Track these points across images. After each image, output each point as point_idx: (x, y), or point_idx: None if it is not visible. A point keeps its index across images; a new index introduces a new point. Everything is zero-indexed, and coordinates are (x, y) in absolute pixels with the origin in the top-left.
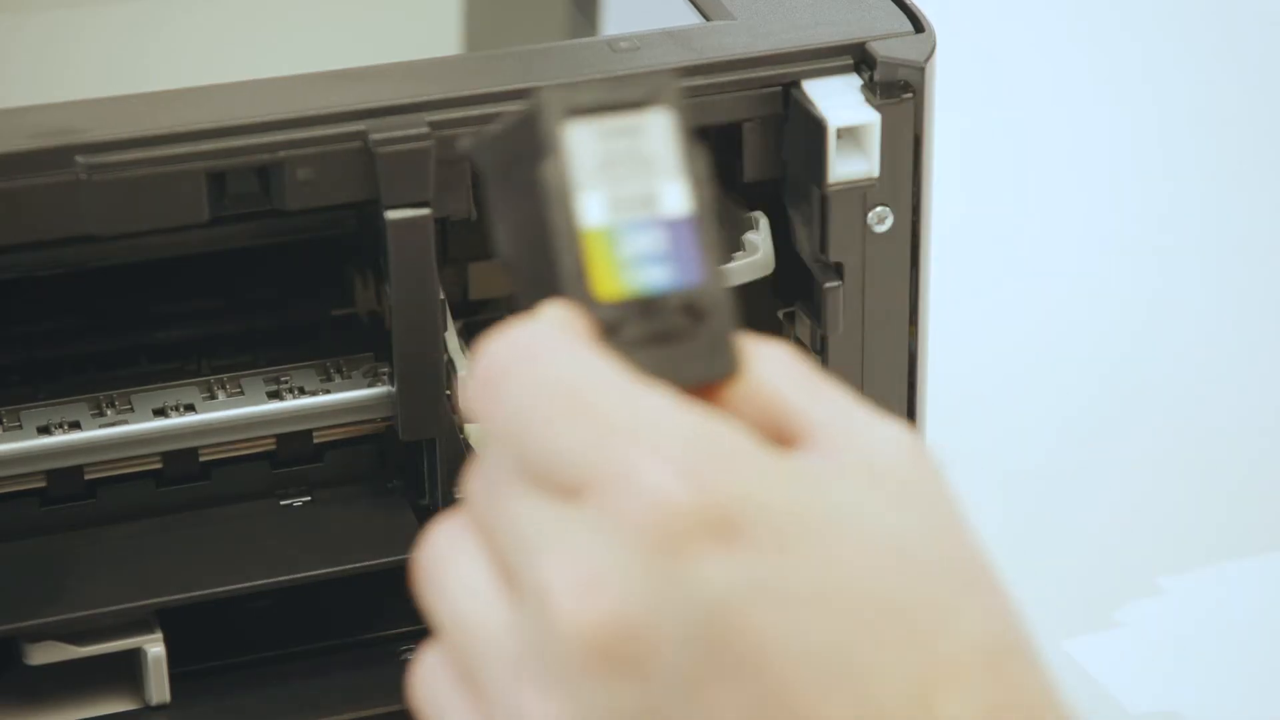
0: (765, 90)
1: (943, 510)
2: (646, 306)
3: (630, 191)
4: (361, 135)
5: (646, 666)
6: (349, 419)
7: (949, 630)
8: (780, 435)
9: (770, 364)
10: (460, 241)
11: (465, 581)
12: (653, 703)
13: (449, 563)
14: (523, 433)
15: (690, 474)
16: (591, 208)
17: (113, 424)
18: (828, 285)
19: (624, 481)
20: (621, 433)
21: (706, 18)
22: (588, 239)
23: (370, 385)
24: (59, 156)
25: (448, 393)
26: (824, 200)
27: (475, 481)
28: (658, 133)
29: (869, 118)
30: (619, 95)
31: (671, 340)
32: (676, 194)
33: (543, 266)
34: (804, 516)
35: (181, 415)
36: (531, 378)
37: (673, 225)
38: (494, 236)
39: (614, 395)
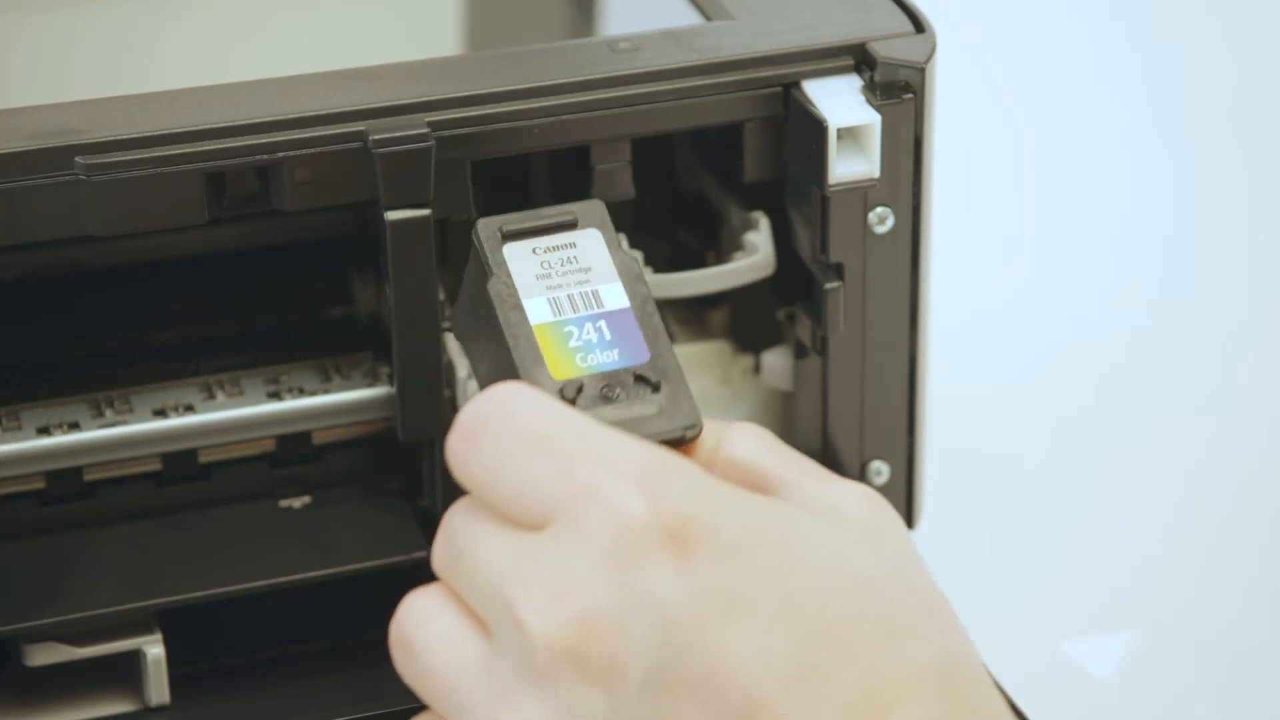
0: (765, 90)
1: (905, 551)
2: (602, 381)
3: (571, 294)
4: (361, 135)
5: (614, 670)
6: (349, 419)
7: (906, 648)
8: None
9: (746, 438)
10: (460, 241)
11: (439, 633)
12: (627, 710)
13: (421, 624)
14: (498, 473)
15: (649, 492)
16: (539, 308)
17: (112, 424)
18: (828, 286)
19: (588, 500)
20: (585, 461)
21: (707, 18)
22: (539, 332)
23: (370, 385)
24: (59, 156)
25: (447, 393)
26: (824, 201)
27: (441, 549)
28: (590, 246)
29: (869, 118)
30: (547, 219)
31: (632, 402)
32: (614, 292)
33: (509, 372)
34: (756, 536)
35: (181, 416)
36: (506, 425)
37: (613, 316)
38: (476, 375)
39: (577, 434)
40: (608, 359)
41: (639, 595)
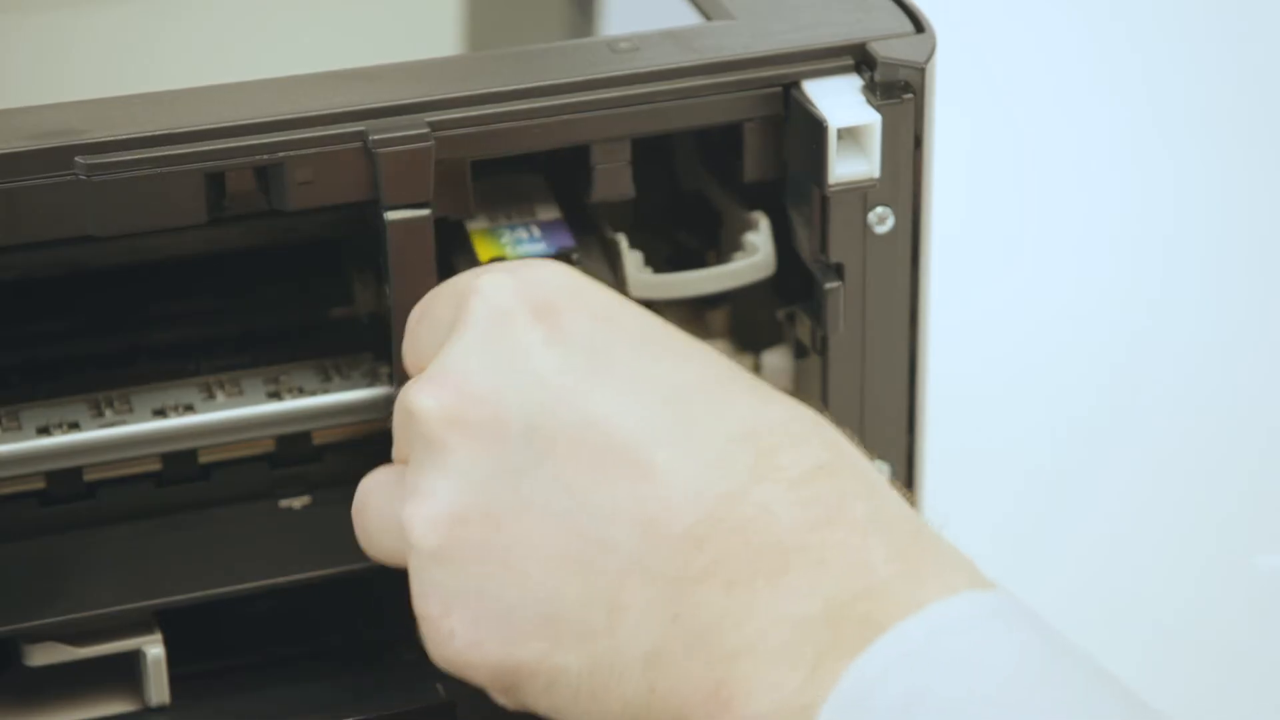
0: (765, 90)
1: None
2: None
3: (509, 212)
4: (361, 135)
5: (495, 428)
6: (349, 419)
7: (780, 404)
8: None
9: None
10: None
11: (376, 484)
12: (513, 463)
13: (367, 487)
14: (423, 334)
15: (519, 277)
16: (478, 223)
17: (112, 424)
18: (828, 286)
19: (468, 297)
20: (471, 277)
21: (707, 18)
22: (474, 235)
23: (370, 385)
24: (59, 156)
25: None
26: (824, 201)
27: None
28: (529, 183)
29: (869, 118)
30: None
31: None
32: (551, 210)
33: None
34: (621, 311)
35: (181, 416)
36: (428, 300)
37: (546, 224)
38: None
39: (473, 270)
40: (534, 249)
41: (512, 359)
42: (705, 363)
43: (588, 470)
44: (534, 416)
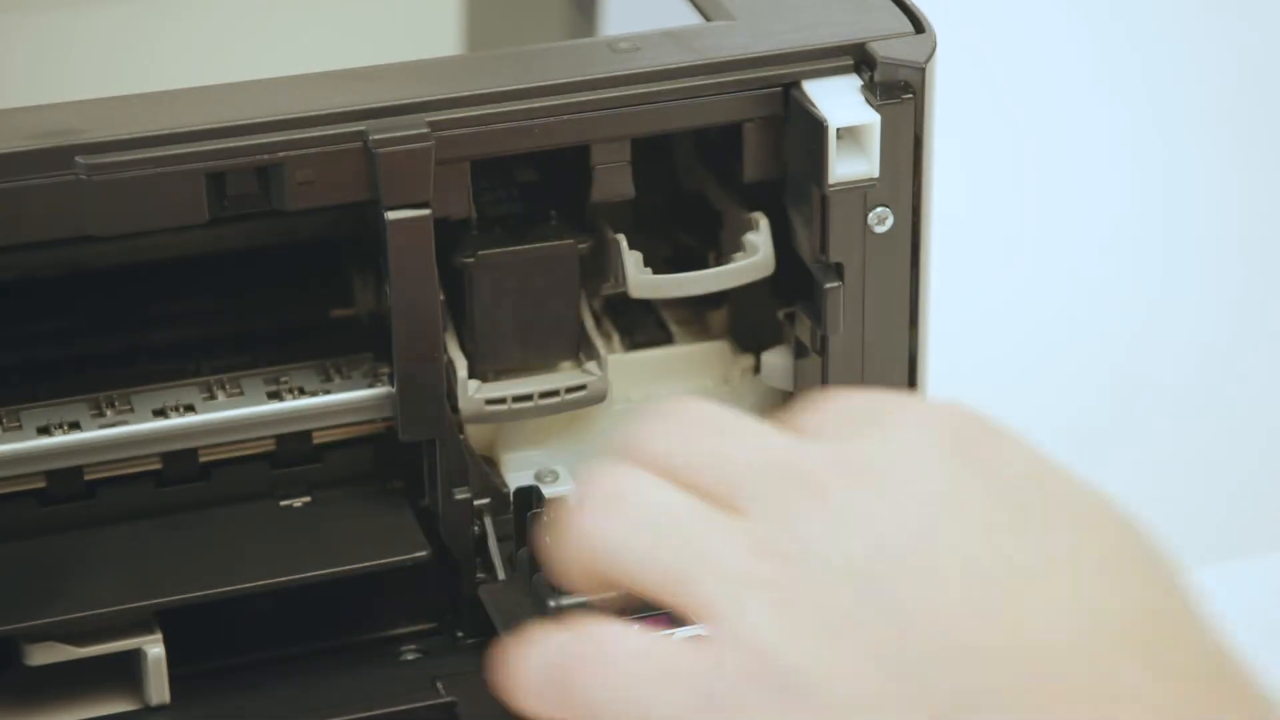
0: (765, 90)
1: None
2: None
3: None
4: (361, 135)
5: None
6: (349, 419)
7: (1172, 593)
8: None
9: None
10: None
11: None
12: (854, 568)
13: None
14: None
15: (950, 407)
16: None
17: (112, 424)
18: (828, 286)
19: (898, 408)
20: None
21: (706, 18)
22: None
23: (370, 385)
24: (59, 156)
25: (447, 393)
26: (824, 200)
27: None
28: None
29: (869, 118)
30: None
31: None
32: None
33: None
34: (1039, 464)
35: (181, 416)
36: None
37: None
38: None
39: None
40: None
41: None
42: (1101, 535)
43: (916, 584)
44: (891, 542)
